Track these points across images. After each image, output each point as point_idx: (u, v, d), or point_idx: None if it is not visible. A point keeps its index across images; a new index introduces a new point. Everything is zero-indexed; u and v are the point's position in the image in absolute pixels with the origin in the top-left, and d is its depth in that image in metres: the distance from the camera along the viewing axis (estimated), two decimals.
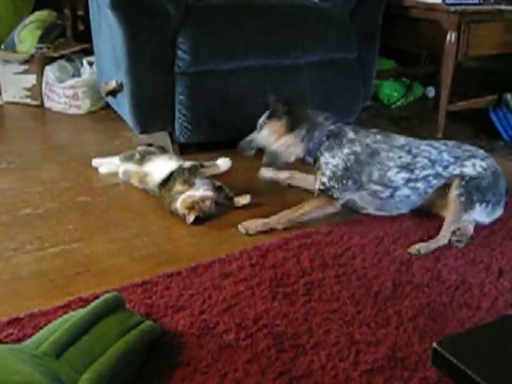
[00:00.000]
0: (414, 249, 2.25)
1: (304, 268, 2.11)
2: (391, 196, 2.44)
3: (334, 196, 2.41)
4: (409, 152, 2.44)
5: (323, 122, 2.52)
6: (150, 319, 1.76)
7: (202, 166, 2.60)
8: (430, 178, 2.41)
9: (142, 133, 3.01)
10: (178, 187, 2.46)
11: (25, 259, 2.15)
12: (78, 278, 2.04)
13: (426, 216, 2.47)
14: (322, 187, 2.43)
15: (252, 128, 2.58)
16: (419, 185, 2.42)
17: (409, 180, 2.41)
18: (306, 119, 2.52)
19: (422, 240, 2.30)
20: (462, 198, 2.33)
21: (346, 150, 2.43)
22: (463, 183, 2.34)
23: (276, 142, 2.52)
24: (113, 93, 3.15)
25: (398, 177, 2.41)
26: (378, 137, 2.49)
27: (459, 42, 3.26)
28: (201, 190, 2.43)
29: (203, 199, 2.40)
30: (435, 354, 1.15)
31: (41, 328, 1.64)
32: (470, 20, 3.26)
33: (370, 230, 2.38)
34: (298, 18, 3.10)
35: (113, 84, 3.07)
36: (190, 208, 2.38)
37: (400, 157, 2.43)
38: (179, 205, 2.40)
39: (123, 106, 3.03)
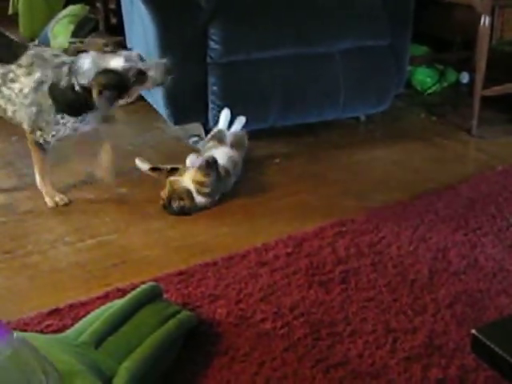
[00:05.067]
0: None
1: (340, 256, 2.10)
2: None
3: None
4: None
5: None
6: (187, 309, 1.78)
7: None
8: None
9: (176, 124, 3.03)
10: None
11: (63, 251, 2.19)
12: (115, 269, 2.07)
13: (462, 203, 2.45)
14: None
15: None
16: None
17: None
18: None
19: (459, 227, 2.28)
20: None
21: None
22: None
23: None
24: None
25: None
26: None
27: (493, 26, 3.22)
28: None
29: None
30: (475, 341, 1.13)
31: (80, 318, 1.67)
32: (504, 3, 3.22)
33: (405, 217, 2.36)
34: (329, 5, 3.08)
35: None
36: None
37: None
38: None
39: (157, 97, 3.04)
